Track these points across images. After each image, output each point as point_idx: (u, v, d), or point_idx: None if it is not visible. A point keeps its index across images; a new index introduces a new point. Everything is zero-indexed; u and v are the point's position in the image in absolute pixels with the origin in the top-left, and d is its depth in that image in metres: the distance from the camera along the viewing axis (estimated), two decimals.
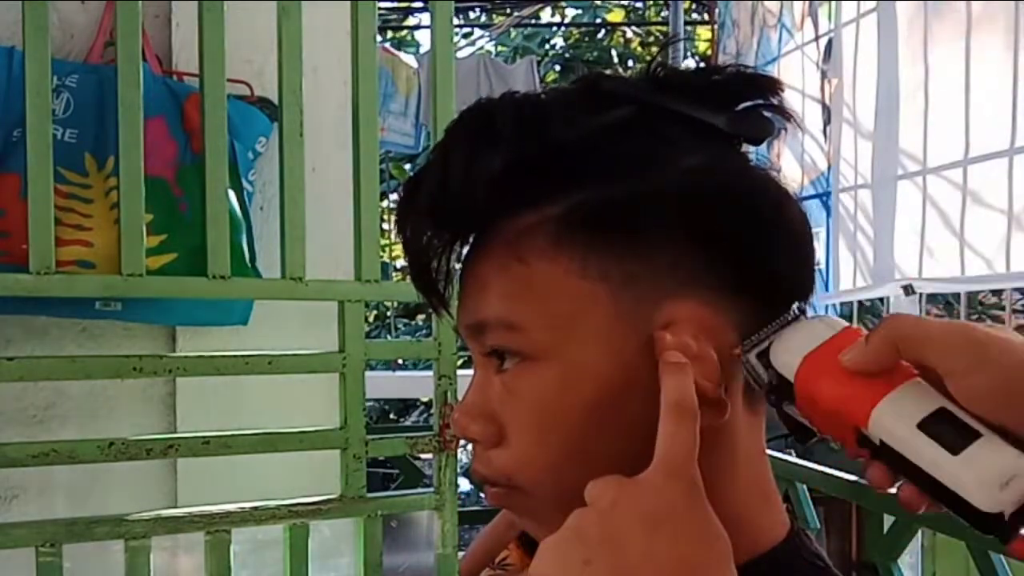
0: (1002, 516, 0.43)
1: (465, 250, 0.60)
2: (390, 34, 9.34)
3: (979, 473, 0.43)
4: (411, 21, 9.81)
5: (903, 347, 0.46)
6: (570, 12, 10.41)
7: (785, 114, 0.60)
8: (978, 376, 0.44)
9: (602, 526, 0.47)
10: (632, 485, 0.48)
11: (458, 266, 0.60)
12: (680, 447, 0.48)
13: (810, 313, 0.55)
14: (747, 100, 0.58)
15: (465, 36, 9.28)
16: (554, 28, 10.23)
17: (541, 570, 0.47)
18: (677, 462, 0.48)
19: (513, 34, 9.66)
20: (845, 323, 0.51)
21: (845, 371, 0.48)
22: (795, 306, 0.54)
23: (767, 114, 0.59)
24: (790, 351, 0.50)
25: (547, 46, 9.94)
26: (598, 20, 10.04)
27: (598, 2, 9.95)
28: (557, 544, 0.47)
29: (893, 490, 0.49)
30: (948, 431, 0.44)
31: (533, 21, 9.58)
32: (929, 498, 0.45)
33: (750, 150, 0.61)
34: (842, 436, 0.49)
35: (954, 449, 0.44)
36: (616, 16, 10.05)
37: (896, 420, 0.46)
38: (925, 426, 0.44)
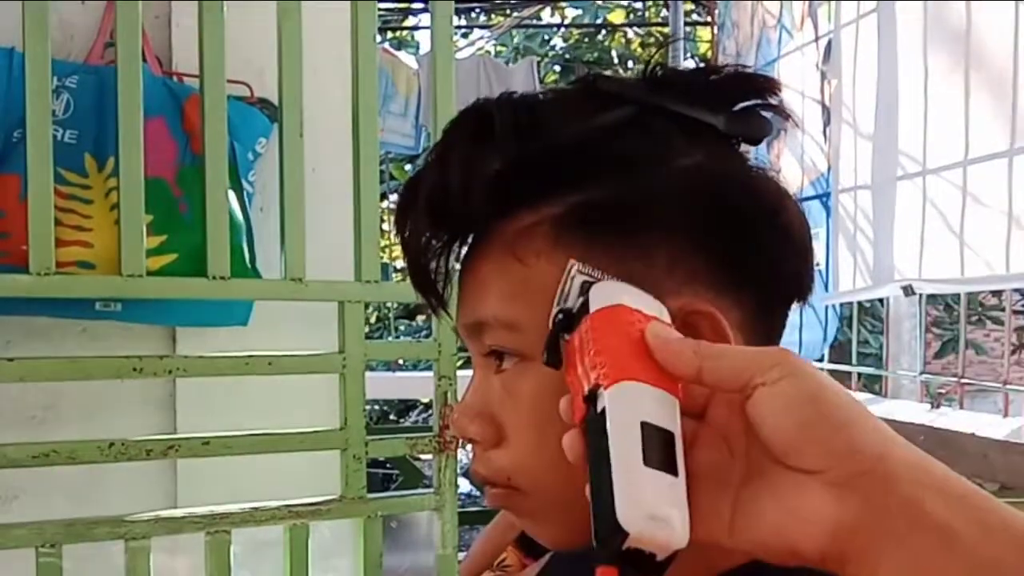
0: (624, 537, 0.40)
1: (464, 251, 0.60)
2: (390, 34, 9.34)
3: (647, 491, 0.41)
4: (411, 21, 9.82)
5: (706, 365, 0.44)
6: (570, 12, 10.42)
7: (783, 114, 0.60)
8: (784, 383, 0.42)
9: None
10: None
11: (457, 266, 0.61)
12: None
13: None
14: (745, 100, 0.59)
15: (465, 36, 9.28)
16: (554, 28, 10.23)
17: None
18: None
19: (514, 35, 9.67)
20: (669, 323, 0.49)
21: (638, 339, 0.46)
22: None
23: (765, 114, 0.59)
24: (613, 294, 0.49)
25: (547, 47, 9.95)
26: (599, 20, 10.04)
27: (599, 2, 9.95)
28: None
29: None
30: (659, 448, 0.42)
31: (533, 21, 9.58)
32: (585, 483, 0.43)
33: (749, 151, 0.61)
34: (577, 384, 0.46)
35: (648, 461, 0.42)
36: (617, 16, 10.05)
37: (632, 403, 0.43)
38: (646, 428, 0.42)
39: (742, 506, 0.44)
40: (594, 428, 0.44)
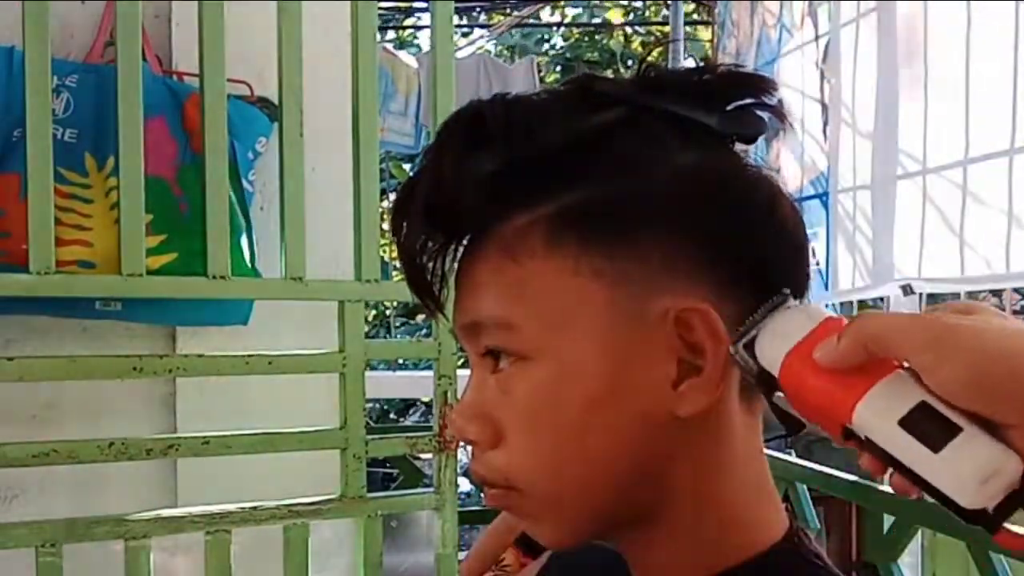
0: (986, 511, 0.43)
1: (460, 252, 0.60)
2: (391, 34, 9.34)
3: (959, 471, 0.43)
4: (411, 21, 9.82)
5: (872, 346, 0.46)
6: (570, 12, 10.42)
7: (779, 113, 0.60)
8: (945, 369, 0.44)
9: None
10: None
11: (454, 266, 0.61)
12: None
13: (794, 303, 0.55)
14: (739, 99, 0.59)
15: (465, 36, 9.28)
16: (554, 28, 10.23)
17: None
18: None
19: (513, 34, 9.67)
20: (826, 313, 0.51)
21: (819, 368, 0.48)
22: (783, 292, 0.53)
23: (761, 113, 0.59)
24: (773, 346, 0.50)
25: (547, 46, 9.94)
26: (598, 20, 10.05)
27: (596, 2, 9.95)
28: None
29: (889, 488, 0.49)
30: (928, 427, 0.44)
31: (532, 21, 9.58)
32: (918, 488, 0.46)
33: (747, 150, 0.61)
34: (830, 430, 0.49)
35: (935, 446, 0.44)
36: (615, 15, 10.05)
37: (878, 417, 0.45)
38: (906, 423, 0.44)
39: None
40: (877, 453, 0.46)
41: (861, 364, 0.47)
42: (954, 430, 0.44)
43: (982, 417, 0.44)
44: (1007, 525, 0.44)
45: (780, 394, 0.51)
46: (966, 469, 0.43)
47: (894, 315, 0.47)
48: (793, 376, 0.49)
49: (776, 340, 0.50)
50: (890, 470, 0.47)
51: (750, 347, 0.52)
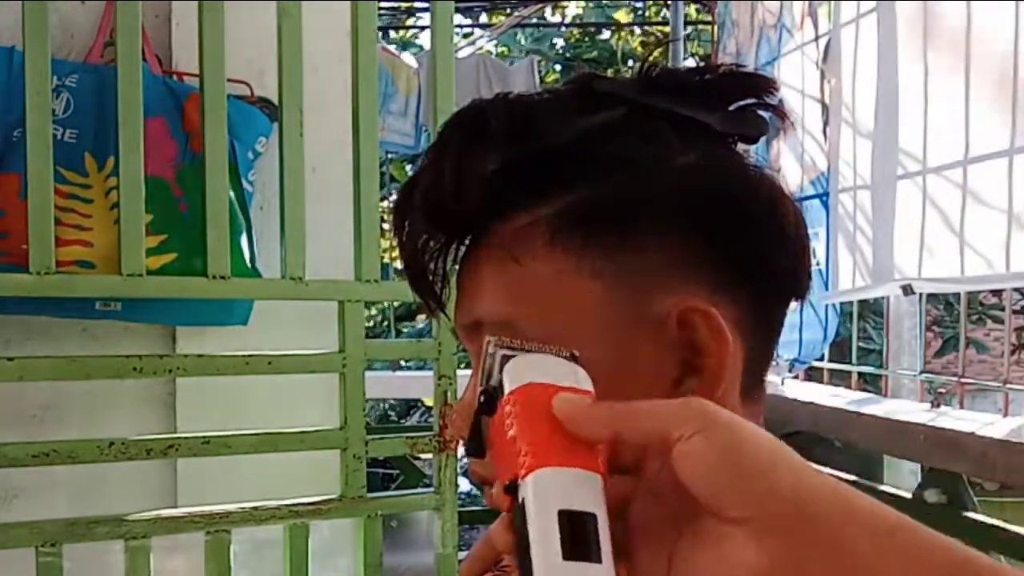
0: None
1: (461, 252, 0.60)
2: (392, 34, 9.34)
3: None
4: (410, 21, 9.82)
5: (622, 427, 0.43)
6: (571, 12, 10.42)
7: (780, 113, 0.60)
8: (698, 441, 0.41)
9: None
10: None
11: (455, 267, 0.61)
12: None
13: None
14: (740, 99, 0.59)
15: (465, 36, 9.28)
16: (554, 28, 10.23)
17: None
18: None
19: (520, 37, 9.67)
20: (591, 388, 0.47)
21: (552, 416, 0.44)
22: (574, 355, 0.50)
23: (761, 113, 0.59)
24: (524, 372, 0.47)
25: (551, 47, 9.94)
26: (605, 20, 10.05)
27: (602, 1, 9.97)
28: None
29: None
30: (580, 537, 0.42)
31: (541, 21, 9.58)
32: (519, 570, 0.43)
33: (748, 149, 0.61)
34: (502, 471, 0.45)
35: (567, 554, 0.41)
36: (621, 15, 10.06)
37: (549, 491, 0.43)
38: (565, 515, 0.42)
39: (677, 560, 0.43)
40: (518, 520, 0.43)
41: (586, 440, 0.44)
42: (595, 556, 0.41)
43: (705, 505, 0.41)
44: None
45: (487, 417, 0.48)
46: None
47: (664, 404, 0.44)
48: (521, 403, 0.46)
49: (535, 369, 0.47)
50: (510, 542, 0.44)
51: (505, 360, 0.48)
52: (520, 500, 0.43)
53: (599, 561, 0.42)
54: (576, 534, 0.42)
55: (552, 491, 0.43)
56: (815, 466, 0.43)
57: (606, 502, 0.43)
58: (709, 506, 0.42)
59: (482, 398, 0.47)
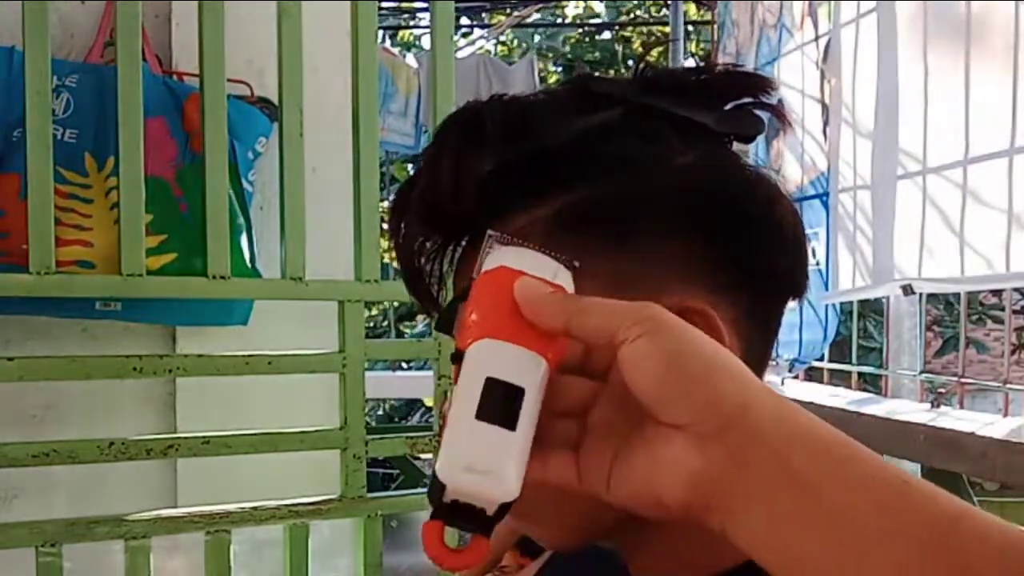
0: (442, 489, 0.41)
1: (458, 253, 0.60)
2: (401, 34, 9.35)
3: (472, 443, 0.41)
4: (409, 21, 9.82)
5: (574, 323, 0.44)
6: (570, 12, 10.42)
7: (777, 112, 0.60)
8: (642, 343, 0.42)
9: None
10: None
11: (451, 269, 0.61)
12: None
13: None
14: (737, 99, 0.59)
15: (465, 36, 9.28)
16: (559, 28, 10.24)
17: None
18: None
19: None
20: (569, 284, 0.48)
21: (512, 299, 0.45)
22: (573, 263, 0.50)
23: (759, 112, 0.59)
24: (501, 258, 0.48)
25: (559, 41, 9.95)
26: (611, 18, 10.05)
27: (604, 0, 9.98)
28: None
29: None
30: (499, 403, 0.42)
31: (540, 21, 9.58)
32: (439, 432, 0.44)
33: (747, 149, 0.61)
34: (459, 339, 0.47)
35: (481, 414, 0.42)
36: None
37: (484, 359, 0.44)
38: (492, 383, 0.43)
39: (619, 460, 0.44)
40: (456, 382, 0.44)
41: (541, 327, 0.45)
42: (510, 423, 0.42)
43: (649, 408, 0.42)
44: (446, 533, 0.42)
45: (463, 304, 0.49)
46: (472, 446, 0.41)
47: (618, 305, 0.44)
48: (488, 283, 0.47)
49: (513, 257, 0.48)
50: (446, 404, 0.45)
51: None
52: (460, 363, 0.44)
53: (512, 429, 0.42)
54: (496, 400, 0.42)
55: (487, 359, 0.44)
56: (757, 379, 0.43)
57: (549, 389, 0.44)
58: (650, 408, 0.42)
59: (466, 286, 0.49)
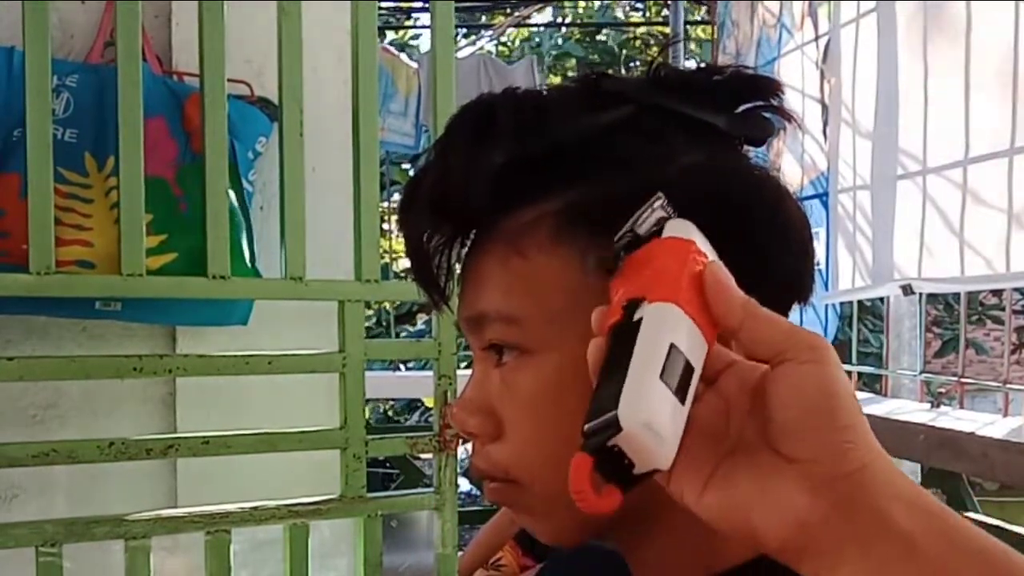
0: (615, 432, 0.41)
1: (467, 246, 0.60)
2: (392, 34, 9.34)
3: (656, 401, 0.41)
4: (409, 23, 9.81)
5: (748, 323, 0.45)
6: (570, 12, 10.42)
7: (785, 115, 0.60)
8: (809, 367, 0.42)
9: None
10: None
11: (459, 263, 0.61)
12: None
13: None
14: (747, 101, 0.59)
15: (465, 36, 9.27)
16: (559, 28, 10.24)
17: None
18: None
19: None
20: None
21: (698, 275, 0.46)
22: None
23: (767, 115, 0.59)
24: (689, 231, 0.49)
25: (545, 46, 9.95)
26: (613, 18, 10.06)
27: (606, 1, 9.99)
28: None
29: None
30: (678, 373, 0.43)
31: (538, 22, 9.59)
32: (593, 383, 0.44)
33: (749, 149, 0.61)
34: (622, 294, 0.47)
35: (664, 375, 0.42)
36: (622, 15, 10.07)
37: (669, 324, 0.44)
38: (674, 350, 0.43)
39: (721, 475, 0.44)
40: (623, 336, 0.44)
41: (709, 304, 0.45)
42: (683, 396, 0.43)
43: (777, 431, 0.42)
44: (599, 484, 0.42)
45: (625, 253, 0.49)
46: (658, 407, 0.41)
47: (789, 323, 0.45)
48: (680, 250, 0.47)
49: (693, 231, 0.49)
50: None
51: (661, 222, 0.50)
52: (636, 319, 0.44)
53: (683, 403, 0.43)
54: (677, 369, 0.43)
55: (675, 326, 0.44)
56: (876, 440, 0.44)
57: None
58: (781, 433, 0.42)
59: (627, 235, 0.49)
